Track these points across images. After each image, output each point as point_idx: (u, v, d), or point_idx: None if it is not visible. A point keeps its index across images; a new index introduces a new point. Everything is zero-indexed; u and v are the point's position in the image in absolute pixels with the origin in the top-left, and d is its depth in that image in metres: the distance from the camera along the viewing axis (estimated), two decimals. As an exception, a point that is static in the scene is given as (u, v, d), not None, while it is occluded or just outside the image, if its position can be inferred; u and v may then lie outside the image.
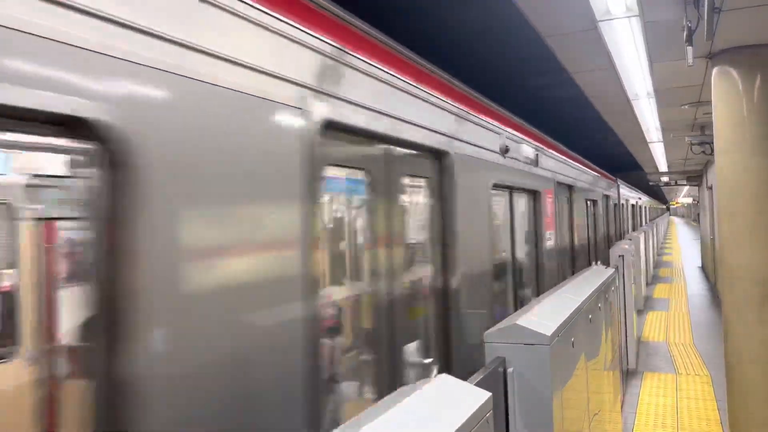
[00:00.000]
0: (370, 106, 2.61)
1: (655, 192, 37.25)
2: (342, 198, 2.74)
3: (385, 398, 1.79)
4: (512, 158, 4.90)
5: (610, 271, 5.48)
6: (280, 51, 2.08)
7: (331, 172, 2.49)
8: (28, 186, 2.68)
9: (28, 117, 1.31)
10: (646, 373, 7.95)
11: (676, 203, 63.93)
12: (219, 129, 1.75)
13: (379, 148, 2.89)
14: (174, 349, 1.55)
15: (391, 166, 2.96)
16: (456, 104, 3.69)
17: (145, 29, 1.54)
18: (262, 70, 1.96)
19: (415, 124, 3.04)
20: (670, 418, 6.30)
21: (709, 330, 10.45)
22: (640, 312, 11.75)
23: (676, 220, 79.90)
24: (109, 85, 1.43)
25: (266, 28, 2.01)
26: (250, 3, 1.93)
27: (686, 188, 34.92)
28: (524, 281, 5.63)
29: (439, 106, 3.41)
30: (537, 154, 5.83)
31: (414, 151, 3.21)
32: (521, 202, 5.69)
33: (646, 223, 26.48)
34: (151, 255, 1.50)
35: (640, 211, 24.93)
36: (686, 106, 8.28)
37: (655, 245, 22.41)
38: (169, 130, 1.59)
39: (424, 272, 3.35)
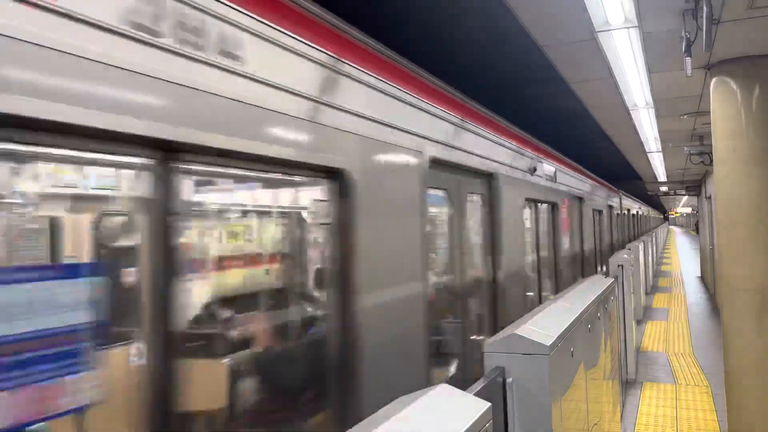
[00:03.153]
0: None
1: (654, 201, 37.32)
2: None
3: (383, 408, 1.78)
4: None
5: (610, 280, 5.48)
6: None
7: None
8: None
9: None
10: (646, 384, 7.92)
11: (675, 213, 63.96)
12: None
13: None
14: None
15: None
16: None
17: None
18: None
19: None
20: (670, 429, 6.27)
21: (709, 340, 10.43)
22: (639, 322, 11.72)
23: (675, 229, 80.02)
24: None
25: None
26: None
27: (685, 198, 34.97)
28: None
29: None
30: None
31: None
32: None
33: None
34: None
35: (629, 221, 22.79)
36: (685, 117, 8.31)
37: (655, 255, 22.38)
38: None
39: None
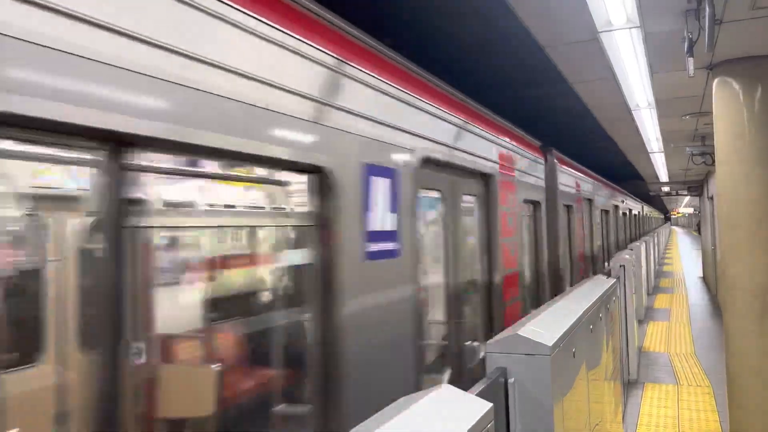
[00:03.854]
0: None
1: (650, 197, 36.40)
2: None
3: (385, 409, 1.78)
4: None
5: (612, 281, 5.47)
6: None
7: None
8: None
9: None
10: (647, 384, 7.91)
11: (677, 213, 63.84)
12: None
13: None
14: None
15: None
16: None
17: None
18: None
19: None
20: (672, 429, 6.26)
21: (711, 341, 10.42)
22: (641, 322, 11.71)
23: (677, 229, 79.91)
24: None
25: None
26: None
27: (687, 198, 34.91)
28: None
29: None
30: None
31: None
32: None
33: None
34: None
35: None
36: (687, 117, 8.30)
37: (656, 255, 22.33)
38: None
39: None
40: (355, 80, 3.02)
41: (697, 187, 20.67)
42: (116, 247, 1.86)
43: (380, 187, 3.13)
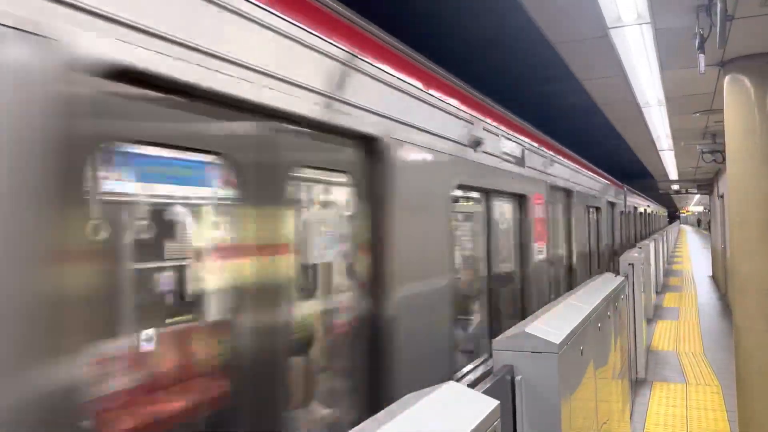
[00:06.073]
0: None
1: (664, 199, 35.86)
2: None
3: (392, 405, 1.78)
4: None
5: (620, 279, 5.44)
6: None
7: None
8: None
9: None
10: (656, 383, 7.88)
11: (687, 212, 63.42)
12: None
13: None
14: None
15: None
16: None
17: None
18: None
19: None
20: (680, 429, 6.23)
21: (720, 340, 10.35)
22: (649, 321, 11.65)
23: (686, 228, 79.43)
24: None
25: None
26: None
27: (697, 196, 34.68)
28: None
29: None
30: None
31: None
32: None
33: None
34: None
35: None
36: (697, 114, 8.23)
37: (665, 254, 22.21)
38: None
39: None
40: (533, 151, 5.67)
41: (707, 185, 20.53)
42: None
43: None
